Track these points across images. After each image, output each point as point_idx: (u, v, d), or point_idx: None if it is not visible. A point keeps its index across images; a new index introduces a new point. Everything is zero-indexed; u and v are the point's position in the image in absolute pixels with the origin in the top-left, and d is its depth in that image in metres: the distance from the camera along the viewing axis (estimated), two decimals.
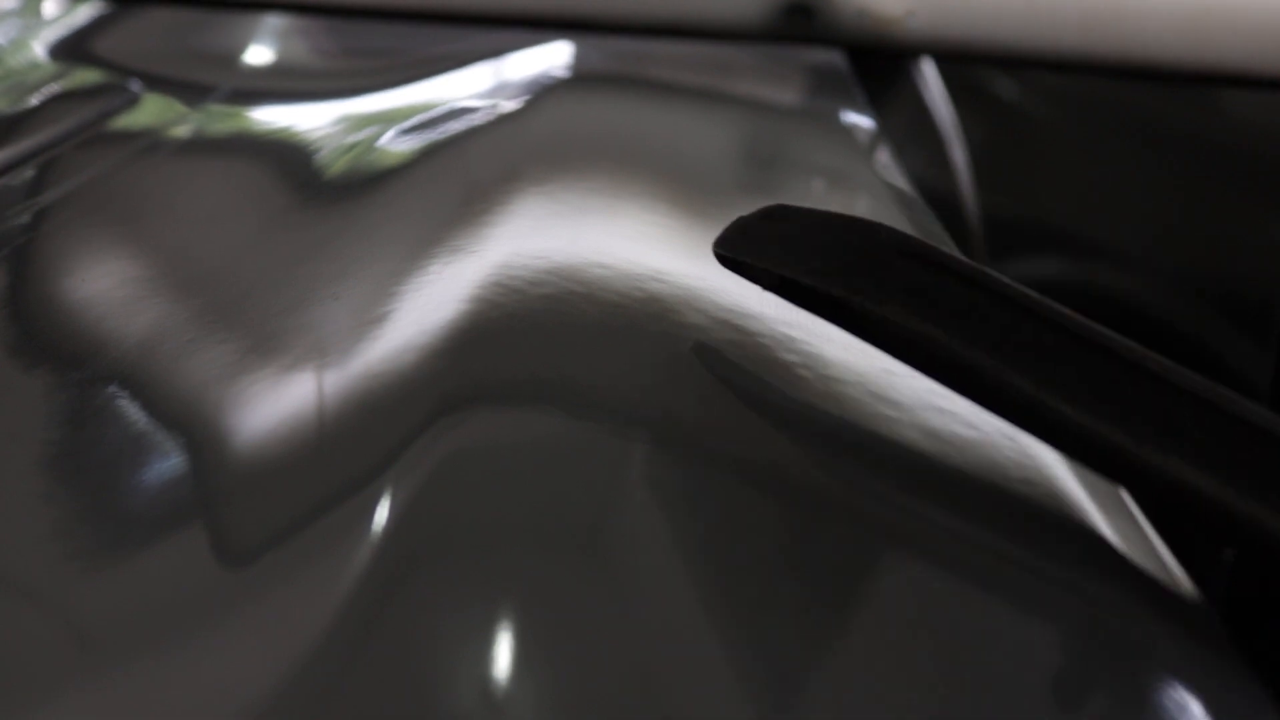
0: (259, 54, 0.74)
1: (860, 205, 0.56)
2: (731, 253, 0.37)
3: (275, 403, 0.34)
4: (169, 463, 0.33)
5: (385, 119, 0.59)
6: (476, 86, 0.66)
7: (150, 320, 0.39)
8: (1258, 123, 0.95)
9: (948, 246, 0.48)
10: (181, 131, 0.58)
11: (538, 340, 0.37)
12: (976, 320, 0.31)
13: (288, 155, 0.56)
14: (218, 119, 0.62)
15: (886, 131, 0.69)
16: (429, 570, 0.28)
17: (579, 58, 0.71)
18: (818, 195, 0.58)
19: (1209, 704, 0.28)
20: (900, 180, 0.60)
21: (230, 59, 0.73)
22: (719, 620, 0.27)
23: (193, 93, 0.64)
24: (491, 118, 0.59)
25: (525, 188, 0.47)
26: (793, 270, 0.34)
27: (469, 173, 0.51)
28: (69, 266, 0.45)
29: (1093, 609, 0.30)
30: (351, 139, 0.57)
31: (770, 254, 0.36)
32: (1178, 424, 0.29)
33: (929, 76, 0.84)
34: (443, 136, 0.56)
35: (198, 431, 0.34)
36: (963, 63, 0.86)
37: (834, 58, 0.77)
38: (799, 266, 0.34)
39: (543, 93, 0.64)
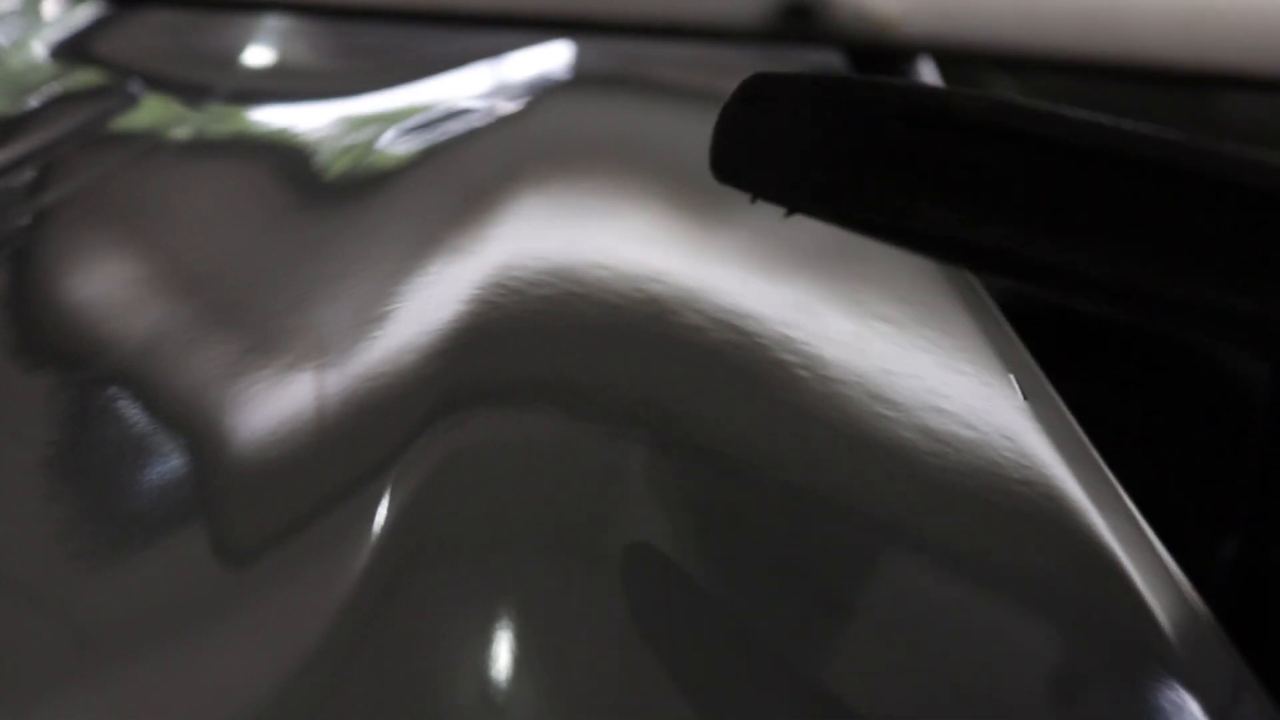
0: (259, 55, 0.74)
1: None
2: (734, 180, 0.32)
3: (276, 403, 0.34)
4: (170, 463, 0.33)
5: (385, 120, 0.59)
6: (476, 87, 0.66)
7: (151, 321, 0.39)
8: (1258, 123, 0.95)
9: None
10: (181, 132, 0.58)
11: (537, 341, 0.37)
12: (1027, 197, 0.25)
13: (288, 156, 0.56)
14: (217, 120, 0.62)
15: None
16: (429, 569, 0.28)
17: (578, 58, 0.71)
18: None
19: (1208, 703, 0.28)
20: None
21: (230, 60, 0.73)
22: (718, 620, 0.27)
23: (193, 94, 0.64)
24: (491, 119, 0.59)
25: (525, 189, 0.47)
26: (802, 200, 0.29)
27: (469, 173, 0.51)
28: (70, 267, 0.45)
29: (1092, 609, 0.30)
30: (351, 139, 0.57)
31: (773, 175, 0.30)
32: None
33: (928, 76, 0.84)
34: (442, 137, 0.56)
35: (199, 431, 0.34)
36: (962, 63, 0.86)
37: (833, 58, 0.77)
38: (807, 190, 0.29)
39: (542, 94, 0.64)
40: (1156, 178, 0.23)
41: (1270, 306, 0.23)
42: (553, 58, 0.71)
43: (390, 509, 0.29)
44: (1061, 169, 0.24)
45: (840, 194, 0.28)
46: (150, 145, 0.57)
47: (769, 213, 0.48)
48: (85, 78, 0.69)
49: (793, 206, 0.30)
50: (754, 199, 0.31)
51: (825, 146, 0.29)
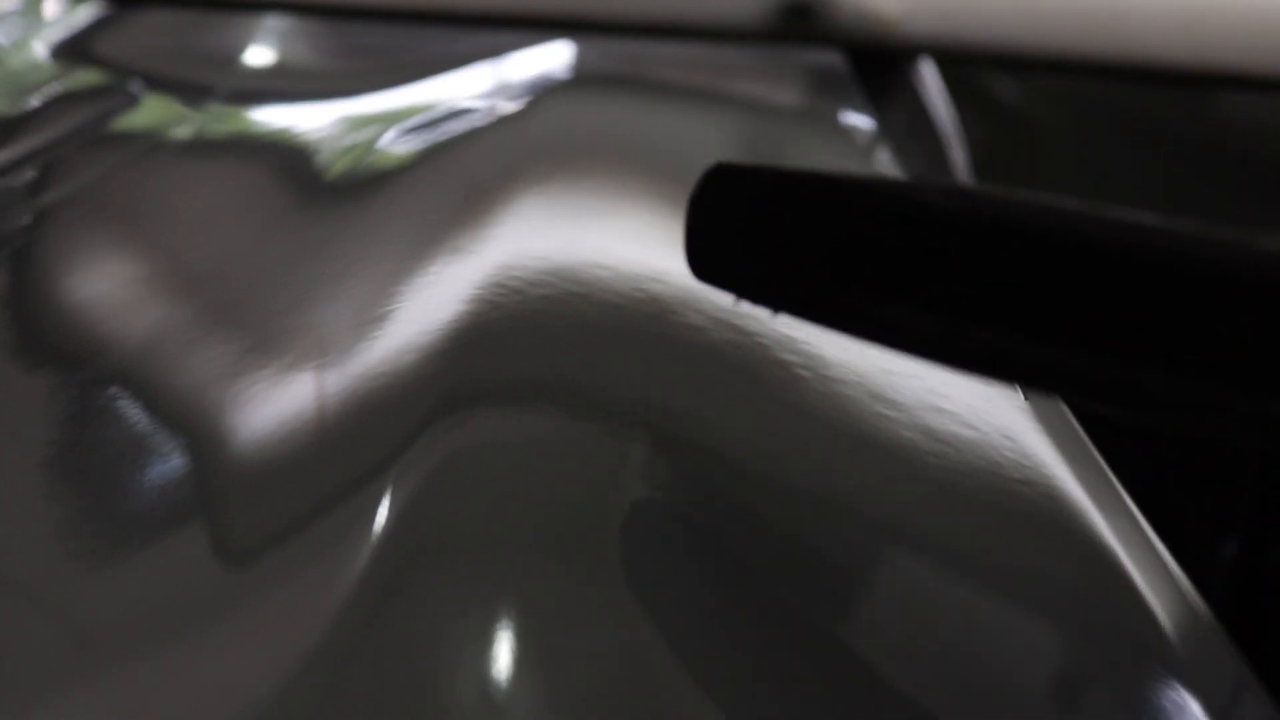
0: (259, 55, 0.74)
1: None
2: (710, 280, 0.32)
3: (276, 403, 0.34)
4: (170, 463, 0.33)
5: (385, 120, 0.59)
6: (476, 87, 0.66)
7: (151, 321, 0.39)
8: (1258, 123, 0.95)
9: None
10: (182, 132, 0.58)
11: (537, 341, 0.37)
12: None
13: (288, 156, 0.56)
14: (218, 120, 0.62)
15: (886, 131, 0.69)
16: (429, 569, 0.28)
17: (579, 58, 0.71)
18: None
19: (1208, 703, 0.28)
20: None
21: (230, 59, 0.73)
22: (718, 620, 0.27)
23: (193, 93, 0.64)
24: (491, 119, 0.59)
25: (525, 189, 0.47)
26: (776, 303, 0.29)
27: (469, 173, 0.51)
28: (70, 267, 0.45)
29: (1092, 609, 0.30)
30: (351, 139, 0.57)
31: (748, 282, 0.30)
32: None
33: (928, 77, 0.84)
34: (443, 137, 0.56)
35: (199, 431, 0.34)
36: (962, 63, 0.86)
37: (833, 58, 0.77)
38: (777, 296, 0.29)
39: (542, 94, 0.64)
40: (1139, 269, 0.23)
41: (1261, 400, 0.22)
42: (553, 58, 0.71)
43: (390, 509, 0.29)
44: (1040, 263, 0.23)
45: (822, 302, 0.28)
46: (150, 145, 0.57)
47: None
48: (85, 78, 0.69)
49: (778, 310, 0.29)
50: (737, 301, 0.31)
51: (800, 251, 0.28)
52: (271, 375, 0.36)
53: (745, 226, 0.30)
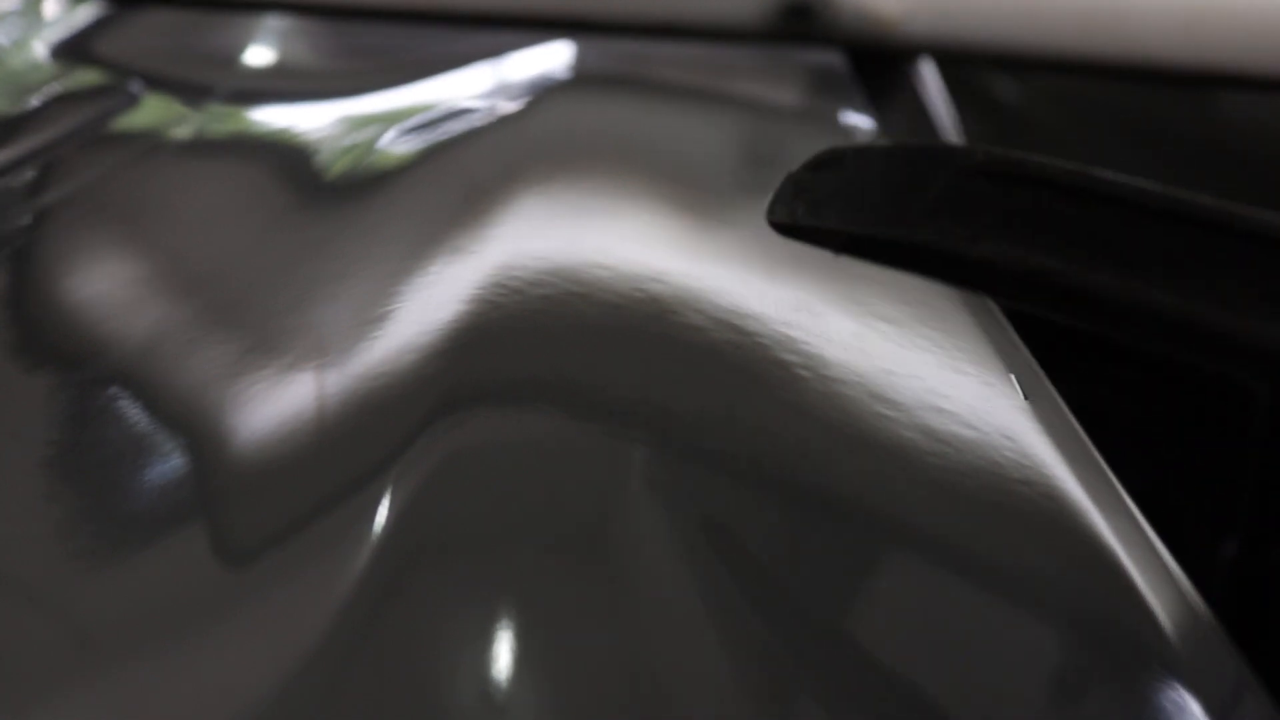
0: (259, 54, 0.74)
1: None
2: (786, 218, 0.32)
3: (276, 403, 0.34)
4: (170, 463, 0.33)
5: (385, 119, 0.59)
6: (476, 87, 0.66)
7: (151, 321, 0.39)
8: (1258, 123, 0.95)
9: None
10: (182, 132, 0.58)
11: (538, 340, 0.37)
12: (1085, 234, 0.27)
13: (288, 156, 0.56)
14: (218, 120, 0.62)
15: (886, 131, 0.69)
16: (429, 569, 0.28)
17: (579, 58, 0.71)
18: None
19: (1208, 703, 0.28)
20: None
21: (230, 59, 0.73)
22: (718, 620, 0.27)
23: (193, 93, 0.64)
24: (491, 118, 0.59)
25: (525, 188, 0.47)
26: (865, 225, 0.30)
27: (469, 173, 0.51)
28: (70, 267, 0.45)
29: (1092, 609, 0.30)
30: (352, 139, 0.57)
31: (833, 210, 0.31)
32: None
33: (928, 77, 0.84)
34: (443, 137, 0.56)
35: (199, 431, 0.34)
36: (962, 63, 0.86)
37: (833, 58, 0.77)
38: (872, 218, 0.30)
39: (543, 93, 0.64)
40: (1174, 221, 0.26)
41: (1265, 332, 0.25)
42: (553, 58, 0.71)
43: (390, 509, 0.29)
44: (1096, 211, 0.27)
45: (909, 224, 0.29)
46: (150, 145, 0.57)
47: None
48: (85, 78, 0.69)
49: (849, 242, 0.31)
50: (810, 239, 0.32)
51: (899, 187, 0.29)
52: (271, 375, 0.36)
53: (839, 183, 0.32)
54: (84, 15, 0.79)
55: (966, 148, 0.29)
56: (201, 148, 0.58)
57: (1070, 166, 0.28)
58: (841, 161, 0.32)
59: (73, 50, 0.74)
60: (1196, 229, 0.26)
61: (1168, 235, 0.26)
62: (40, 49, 0.74)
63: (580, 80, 0.69)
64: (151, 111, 0.62)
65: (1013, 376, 0.38)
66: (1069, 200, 0.27)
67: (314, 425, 0.33)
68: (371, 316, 0.38)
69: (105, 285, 0.43)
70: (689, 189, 0.51)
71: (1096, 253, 0.27)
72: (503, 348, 0.36)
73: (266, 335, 0.38)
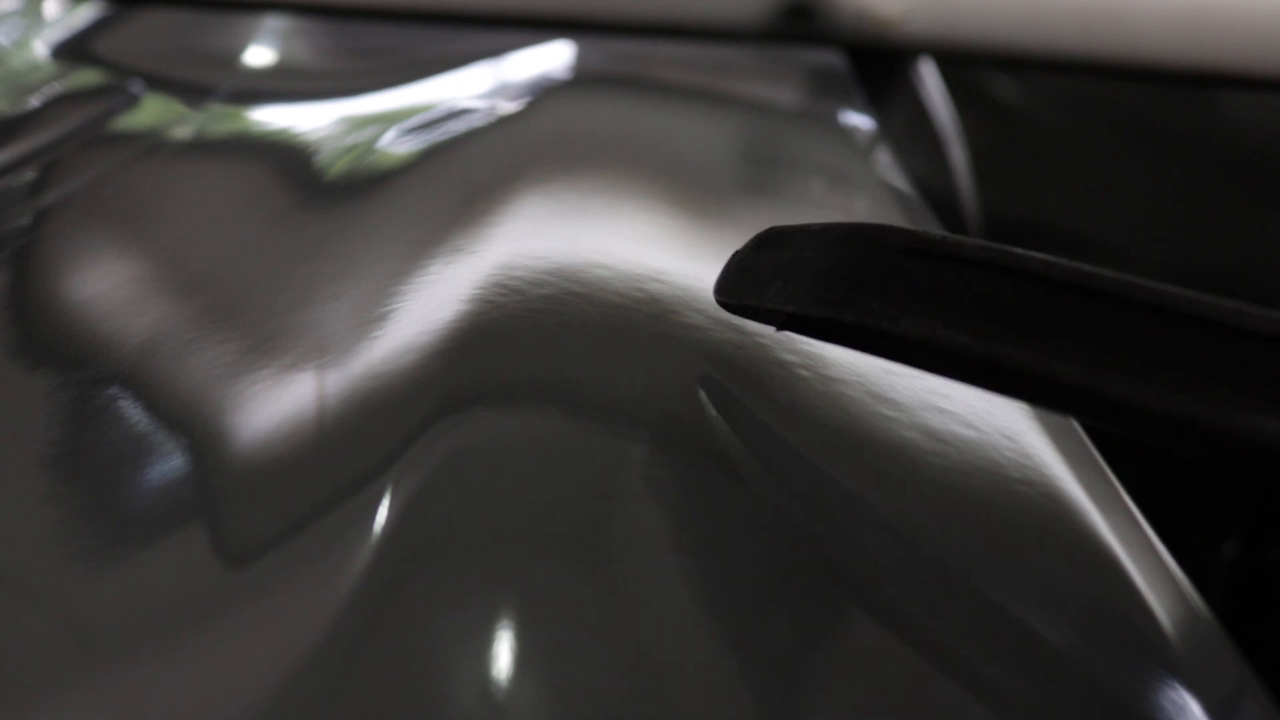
0: (259, 54, 0.74)
1: (860, 206, 0.56)
2: (734, 298, 0.35)
3: (276, 402, 0.34)
4: (170, 462, 0.33)
5: (385, 119, 0.59)
6: (476, 87, 0.66)
7: (151, 320, 0.39)
8: (1258, 123, 0.95)
9: None
10: (182, 132, 0.58)
11: (538, 340, 0.37)
12: (1006, 312, 0.28)
13: (288, 156, 0.56)
14: (218, 120, 0.62)
15: (886, 131, 0.69)
16: (429, 569, 0.28)
17: (579, 58, 0.71)
18: (818, 196, 0.58)
19: (1209, 704, 0.28)
20: (900, 180, 0.61)
21: (230, 59, 0.73)
22: (718, 620, 0.27)
23: (193, 93, 0.64)
24: (491, 118, 0.59)
25: (525, 188, 0.47)
26: (799, 305, 0.32)
27: (469, 173, 0.51)
28: (70, 267, 0.45)
29: (1092, 609, 0.30)
30: (352, 139, 0.57)
31: (773, 291, 0.33)
32: (1264, 376, 0.25)
33: (928, 76, 0.84)
34: (443, 137, 0.56)
35: (199, 431, 0.34)
36: (962, 63, 0.86)
37: (833, 58, 0.77)
38: (805, 298, 0.31)
39: (542, 93, 0.64)
40: (1082, 294, 0.28)
41: (1164, 400, 0.26)
42: (553, 58, 0.71)
43: (390, 509, 0.29)
44: (1019, 289, 0.28)
45: (836, 304, 0.31)
46: (150, 145, 0.57)
47: (769, 213, 0.48)
48: (85, 78, 0.69)
49: (787, 320, 0.32)
50: (753, 316, 0.35)
51: (828, 269, 0.31)
52: (271, 375, 0.36)
53: (778, 260, 0.34)
54: (84, 15, 0.79)
55: (894, 228, 0.31)
56: (201, 148, 0.58)
57: (988, 245, 0.29)
58: (782, 240, 0.34)
59: (73, 50, 0.74)
60: (1102, 301, 0.27)
61: (1075, 307, 0.27)
62: (40, 49, 0.74)
63: (580, 80, 0.69)
64: (151, 111, 0.62)
65: None
66: (986, 276, 0.29)
67: (314, 425, 0.33)
68: (372, 316, 0.38)
69: (105, 285, 0.43)
70: (689, 189, 0.51)
71: (1006, 325, 0.28)
72: (503, 348, 0.36)
73: (266, 335, 0.38)
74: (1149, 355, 0.26)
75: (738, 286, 0.35)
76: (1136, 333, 0.27)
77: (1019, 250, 0.29)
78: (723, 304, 0.36)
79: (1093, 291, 0.27)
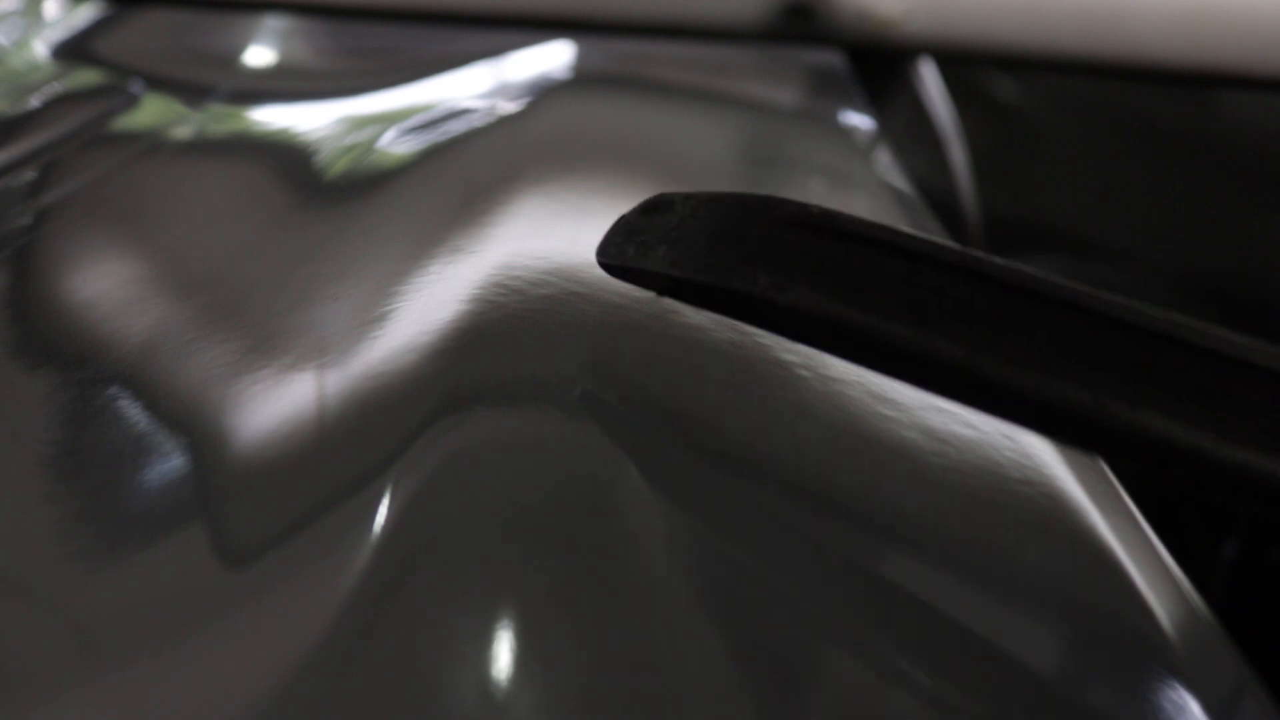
0: (259, 54, 0.74)
1: (859, 205, 0.56)
2: (616, 260, 0.34)
3: (276, 403, 0.34)
4: (170, 463, 0.33)
5: (385, 119, 0.59)
6: (476, 87, 0.66)
7: (151, 320, 0.39)
8: (1258, 123, 0.95)
9: None
10: (182, 132, 0.58)
11: (538, 340, 0.37)
12: (895, 289, 0.28)
13: (288, 156, 0.56)
14: (218, 120, 0.62)
15: (886, 131, 0.69)
16: (429, 570, 0.28)
17: (579, 58, 0.71)
18: (817, 195, 0.58)
19: (1208, 704, 0.28)
20: (900, 180, 0.61)
21: (230, 59, 0.73)
22: (717, 620, 0.27)
23: (193, 93, 0.64)
24: (491, 118, 0.59)
25: (525, 188, 0.47)
26: (684, 270, 0.31)
27: (469, 173, 0.51)
28: (70, 267, 0.45)
29: (1092, 609, 0.30)
30: (352, 139, 0.57)
31: (658, 255, 0.32)
32: (1141, 370, 0.25)
33: (928, 77, 0.84)
34: (443, 137, 0.56)
35: (199, 431, 0.34)
36: (962, 63, 0.86)
37: (833, 58, 0.77)
38: (691, 264, 0.31)
39: (542, 93, 0.64)
40: (973, 277, 0.28)
41: (1039, 387, 0.26)
42: (553, 58, 0.71)
43: (390, 509, 0.29)
44: (910, 269, 0.28)
45: (722, 271, 0.30)
46: (150, 145, 0.57)
47: None
48: (85, 78, 0.69)
49: (671, 285, 0.32)
50: (636, 280, 0.34)
51: (716, 236, 0.31)
52: (272, 375, 0.36)
53: (665, 226, 0.33)
54: (84, 15, 0.79)
55: (783, 200, 0.30)
56: (201, 148, 0.58)
57: (877, 224, 0.29)
58: (671, 206, 0.33)
59: (73, 50, 0.74)
60: (994, 285, 0.27)
61: (965, 289, 0.27)
62: (40, 49, 0.74)
63: (580, 80, 0.69)
64: (151, 111, 0.62)
65: None
66: (875, 253, 0.28)
67: (314, 425, 0.33)
68: (372, 316, 0.38)
69: (105, 285, 0.43)
70: (689, 189, 0.51)
71: (895, 302, 0.27)
72: (503, 348, 0.36)
73: (266, 335, 0.38)
74: (1035, 340, 0.26)
75: (622, 249, 0.34)
76: (1023, 318, 0.27)
77: (907, 230, 0.29)
78: (604, 265, 0.35)
79: (983, 275, 0.27)
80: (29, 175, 0.53)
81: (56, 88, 0.66)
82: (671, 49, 0.76)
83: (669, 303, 0.34)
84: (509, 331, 0.37)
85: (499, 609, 0.26)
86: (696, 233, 0.31)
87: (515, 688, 0.25)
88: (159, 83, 0.66)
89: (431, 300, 0.38)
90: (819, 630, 0.28)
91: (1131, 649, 0.30)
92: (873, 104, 0.72)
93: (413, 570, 0.28)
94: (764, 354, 0.37)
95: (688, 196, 0.33)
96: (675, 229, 0.32)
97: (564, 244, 0.43)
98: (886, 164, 0.63)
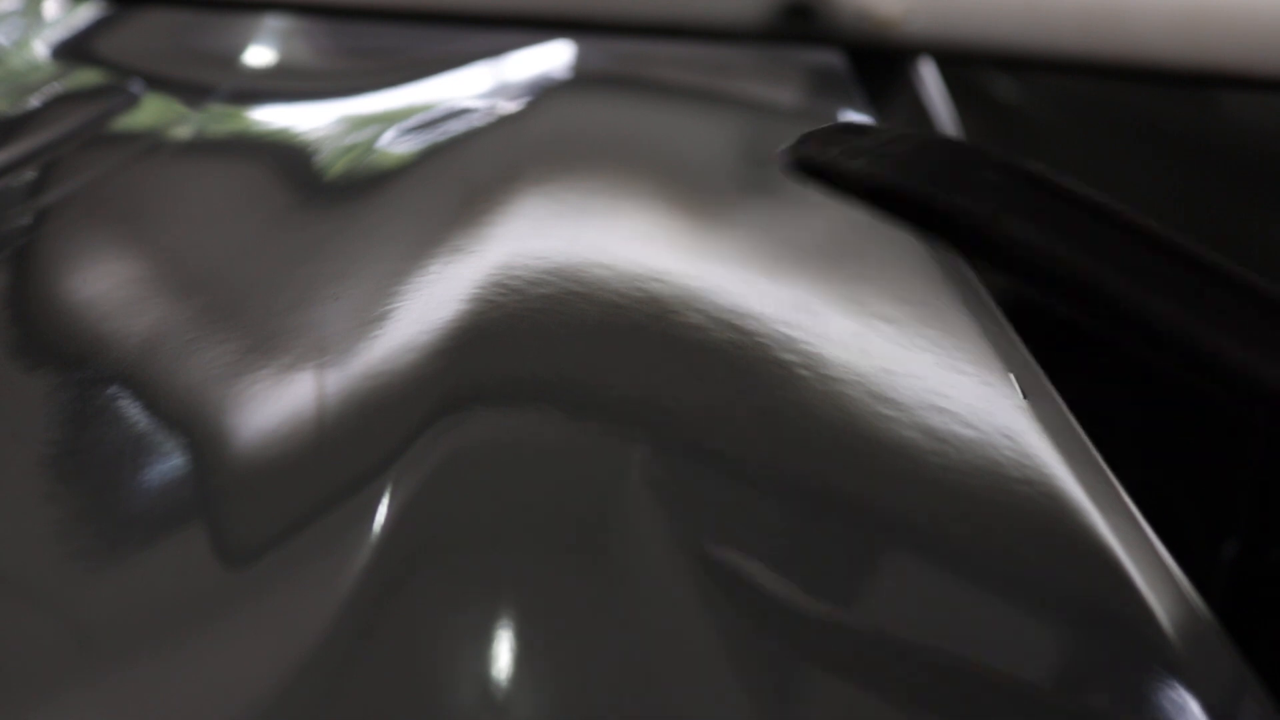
0: (259, 54, 0.74)
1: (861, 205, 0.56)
2: (820, 157, 0.33)
3: (276, 402, 0.35)
4: (170, 462, 0.33)
5: (385, 119, 0.59)
6: (476, 87, 0.66)
7: (151, 320, 0.39)
8: (1258, 123, 0.95)
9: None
10: (182, 132, 0.58)
11: (538, 340, 0.37)
12: (1112, 251, 0.28)
13: (288, 156, 0.56)
14: (218, 120, 0.62)
15: None
16: (429, 569, 0.28)
17: (579, 58, 0.71)
18: (818, 195, 0.58)
19: (1208, 703, 0.28)
20: None
21: (230, 59, 0.73)
22: (717, 620, 0.27)
23: (193, 93, 0.64)
24: (491, 118, 0.59)
25: (525, 188, 0.47)
26: (899, 179, 0.31)
27: (469, 173, 0.51)
28: (70, 267, 0.45)
29: (1092, 609, 0.30)
30: (352, 139, 0.57)
31: (859, 164, 0.32)
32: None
33: (928, 76, 0.84)
34: (443, 137, 0.56)
35: (199, 431, 0.34)
36: (962, 63, 0.86)
37: (833, 58, 0.77)
38: (910, 177, 0.31)
39: (542, 93, 0.64)
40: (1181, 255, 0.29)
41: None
42: (553, 58, 0.71)
43: (390, 509, 0.29)
44: (1129, 235, 0.30)
45: (944, 188, 0.31)
46: (150, 145, 0.57)
47: (769, 212, 0.48)
48: (85, 78, 0.69)
49: (875, 190, 0.32)
50: (831, 180, 0.33)
51: (941, 165, 0.31)
52: (271, 375, 0.36)
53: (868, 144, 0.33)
54: (84, 15, 0.79)
55: (1004, 154, 0.31)
56: (201, 148, 0.58)
57: (1108, 199, 0.29)
58: (864, 133, 0.33)
59: (73, 50, 0.74)
60: (1201, 267, 0.28)
61: (1178, 265, 0.28)
62: (40, 49, 0.74)
63: (580, 80, 0.69)
64: (151, 111, 0.62)
65: (1012, 376, 0.38)
66: (1101, 219, 0.29)
67: (314, 425, 0.33)
68: (372, 316, 0.38)
69: (105, 285, 0.43)
70: (689, 189, 0.51)
71: (1116, 265, 0.28)
72: (503, 348, 0.36)
73: (266, 335, 0.38)
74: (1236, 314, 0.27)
75: (823, 150, 0.34)
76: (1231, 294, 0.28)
77: (1133, 211, 0.30)
78: (800, 163, 0.34)
79: (1185, 256, 0.29)
80: (29, 175, 0.53)
81: (56, 88, 0.66)
82: (671, 49, 0.76)
83: (669, 303, 0.34)
84: (509, 331, 0.37)
85: (498, 609, 0.26)
86: (913, 154, 0.31)
87: (514, 687, 0.25)
88: (159, 83, 0.66)
89: (431, 300, 0.39)
90: (819, 630, 0.28)
91: (1131, 649, 0.30)
92: (873, 104, 0.72)
93: (413, 570, 0.28)
94: (764, 354, 0.37)
95: (881, 128, 0.33)
96: (881, 148, 0.32)
97: (564, 244, 0.43)
98: None
